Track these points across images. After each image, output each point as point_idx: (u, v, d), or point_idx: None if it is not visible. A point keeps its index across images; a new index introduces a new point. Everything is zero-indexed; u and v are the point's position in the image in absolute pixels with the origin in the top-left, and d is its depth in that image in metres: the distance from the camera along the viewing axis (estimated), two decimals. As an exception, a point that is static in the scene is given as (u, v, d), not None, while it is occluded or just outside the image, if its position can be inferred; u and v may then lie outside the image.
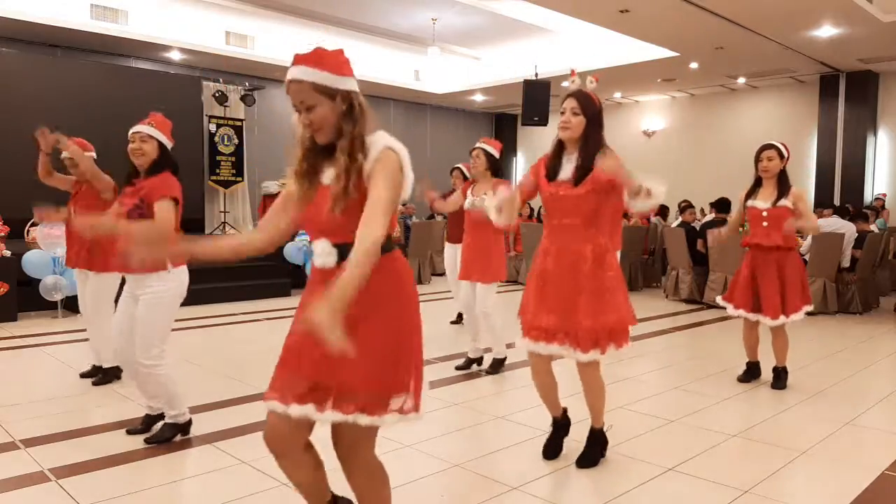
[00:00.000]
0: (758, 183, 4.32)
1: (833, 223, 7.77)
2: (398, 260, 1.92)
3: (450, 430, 3.66)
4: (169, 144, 3.39)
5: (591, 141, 2.82)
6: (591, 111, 2.84)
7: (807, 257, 7.73)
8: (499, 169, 4.72)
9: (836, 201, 11.50)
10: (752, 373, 4.61)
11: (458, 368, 4.87)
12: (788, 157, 4.29)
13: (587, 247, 2.81)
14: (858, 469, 3.09)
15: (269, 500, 2.72)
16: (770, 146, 4.27)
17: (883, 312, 7.96)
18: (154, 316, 3.18)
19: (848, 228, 7.67)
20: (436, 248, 10.00)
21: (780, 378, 4.47)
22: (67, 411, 3.84)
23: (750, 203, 4.33)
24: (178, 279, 3.24)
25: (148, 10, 10.49)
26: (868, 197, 11.97)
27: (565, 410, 3.23)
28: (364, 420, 1.76)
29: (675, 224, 9.31)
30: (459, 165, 6.03)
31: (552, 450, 3.16)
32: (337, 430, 1.89)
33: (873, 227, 8.73)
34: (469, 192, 4.77)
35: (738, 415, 3.89)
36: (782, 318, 4.25)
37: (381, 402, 1.78)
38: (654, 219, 11.03)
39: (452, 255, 5.95)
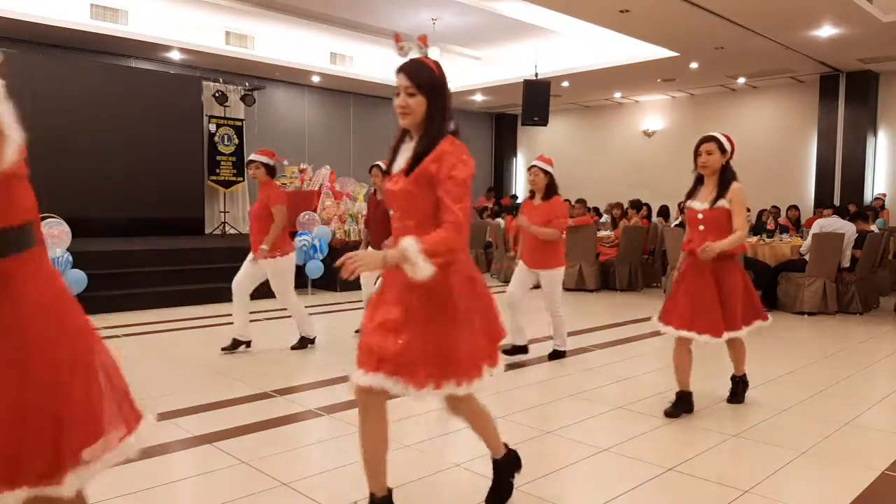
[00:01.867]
0: (699, 181, 3.86)
1: (833, 223, 7.76)
2: (38, 269, 1.35)
3: (449, 430, 3.66)
4: None
5: (431, 122, 2.22)
6: (430, 85, 2.20)
7: (807, 257, 7.73)
8: None
9: (836, 201, 11.50)
10: (681, 404, 3.87)
11: None
12: (733, 151, 3.78)
13: None
14: (858, 469, 3.09)
15: (269, 500, 2.72)
16: (710, 138, 3.76)
17: (883, 312, 7.95)
18: None
19: (848, 228, 7.67)
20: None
21: (737, 391, 4.07)
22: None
23: (688, 204, 3.86)
24: None
25: (148, 10, 10.49)
26: (868, 197, 11.98)
27: (391, 492, 2.34)
28: None
29: (674, 224, 9.31)
30: (379, 163, 5.60)
31: None
32: None
33: (873, 227, 8.72)
34: None
35: (738, 415, 3.89)
36: (726, 335, 3.73)
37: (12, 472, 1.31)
38: (654, 219, 11.04)
39: None
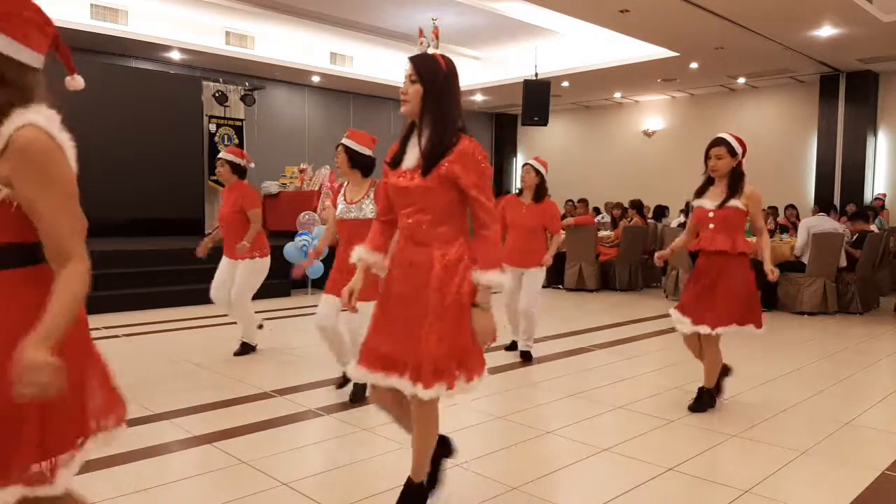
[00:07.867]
0: (709, 181, 3.85)
1: (821, 222, 7.73)
2: (45, 277, 1.46)
3: (449, 430, 3.66)
4: None
5: (435, 115, 2.25)
6: (431, 76, 2.24)
7: (803, 259, 7.72)
8: (367, 165, 4.00)
9: (837, 201, 11.50)
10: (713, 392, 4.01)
11: (338, 387, 4.33)
12: (744, 154, 3.75)
13: (436, 252, 2.26)
14: (858, 469, 3.09)
15: (269, 500, 2.72)
16: (719, 142, 3.74)
17: (883, 312, 7.96)
18: None
19: (835, 227, 7.64)
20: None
21: (700, 399, 3.94)
22: (67, 411, 3.84)
23: (697, 203, 3.86)
24: None
25: (148, 10, 10.49)
26: (868, 197, 11.98)
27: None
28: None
29: (675, 224, 9.31)
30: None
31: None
32: None
33: (873, 227, 8.72)
34: (341, 196, 4.07)
35: (739, 415, 3.89)
36: (703, 328, 3.74)
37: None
38: (651, 219, 11.04)
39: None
